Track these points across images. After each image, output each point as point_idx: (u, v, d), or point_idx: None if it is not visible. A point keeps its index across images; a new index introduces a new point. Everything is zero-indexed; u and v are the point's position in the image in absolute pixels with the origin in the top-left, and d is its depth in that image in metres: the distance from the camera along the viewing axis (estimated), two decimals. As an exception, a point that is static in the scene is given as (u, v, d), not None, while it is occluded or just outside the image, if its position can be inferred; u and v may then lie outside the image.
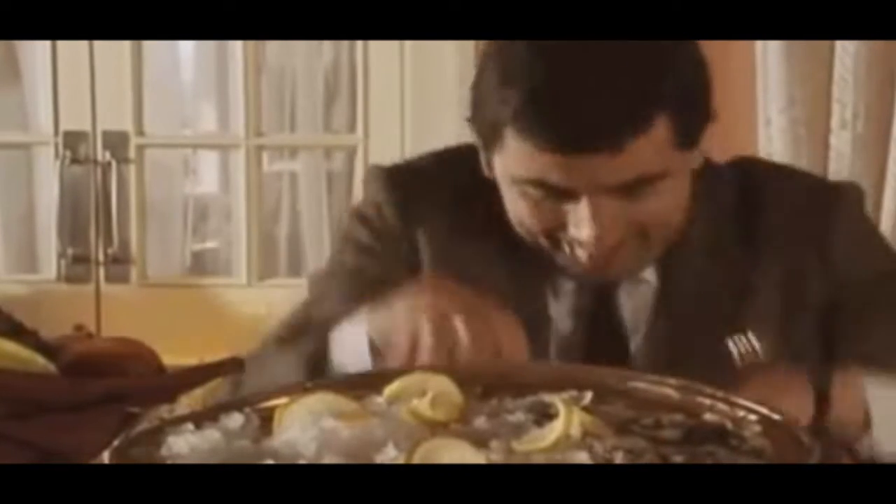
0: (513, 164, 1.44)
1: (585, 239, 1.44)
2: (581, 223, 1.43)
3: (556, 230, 1.47)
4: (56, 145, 3.05)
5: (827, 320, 1.54)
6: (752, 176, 1.61)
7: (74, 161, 3.04)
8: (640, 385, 1.13)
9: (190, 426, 1.04)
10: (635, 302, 1.55)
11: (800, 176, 1.70)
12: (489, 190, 1.52)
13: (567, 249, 1.49)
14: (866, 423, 1.35)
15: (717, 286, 1.54)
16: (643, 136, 1.38)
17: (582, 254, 1.48)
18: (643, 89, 1.39)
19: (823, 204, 1.57)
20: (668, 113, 1.39)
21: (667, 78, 1.41)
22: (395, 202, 1.62)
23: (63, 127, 3.05)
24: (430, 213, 1.60)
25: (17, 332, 1.07)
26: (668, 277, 1.54)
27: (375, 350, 1.37)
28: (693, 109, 1.44)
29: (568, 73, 1.39)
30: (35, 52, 3.23)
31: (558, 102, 1.39)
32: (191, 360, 1.45)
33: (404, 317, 1.30)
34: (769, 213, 1.56)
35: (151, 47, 3.14)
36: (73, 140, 3.04)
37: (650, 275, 1.55)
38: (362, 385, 1.13)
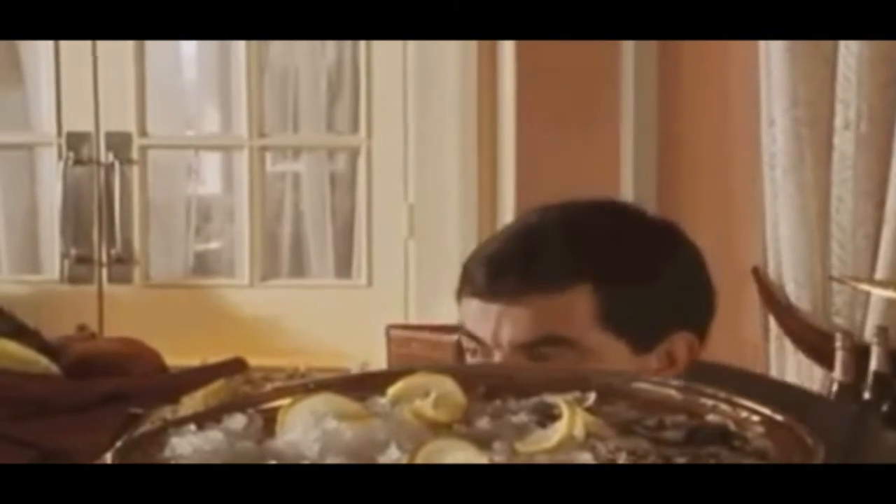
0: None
1: None
2: None
3: None
4: (59, 146, 3.05)
5: None
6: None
7: (77, 162, 3.04)
8: (644, 386, 1.13)
9: (192, 427, 1.04)
10: None
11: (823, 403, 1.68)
12: None
13: None
14: None
15: None
16: (548, 295, 1.41)
17: None
18: (560, 251, 1.43)
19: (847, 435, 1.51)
20: (589, 284, 1.42)
21: (592, 253, 1.43)
22: None
23: (66, 128, 3.05)
24: None
25: (20, 332, 1.07)
26: None
27: None
28: (629, 300, 1.43)
29: (511, 227, 1.50)
30: (38, 53, 3.23)
31: (488, 250, 1.47)
32: (193, 361, 1.46)
33: None
34: None
35: (154, 48, 3.14)
36: (76, 141, 3.04)
37: None
38: (365, 386, 1.13)
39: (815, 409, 1.57)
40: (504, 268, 1.43)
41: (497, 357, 1.43)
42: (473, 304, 1.45)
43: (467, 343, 1.47)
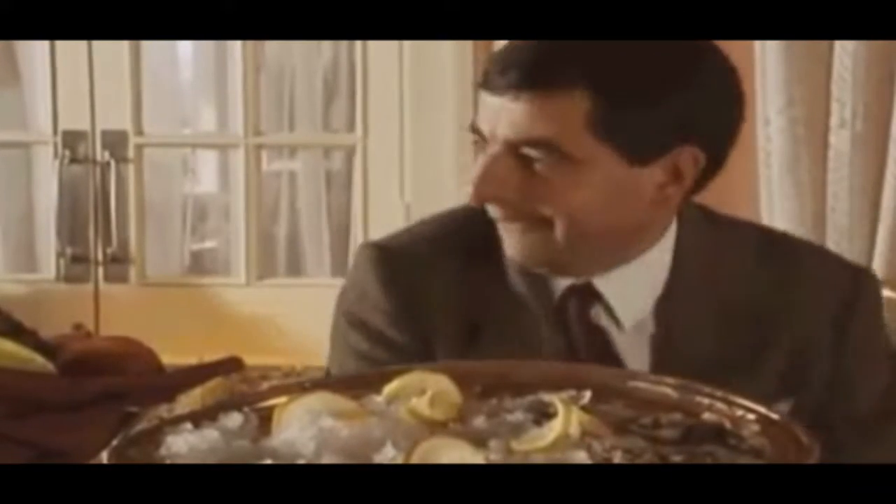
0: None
1: (471, 182, 1.43)
2: (476, 168, 1.44)
3: None
4: (55, 145, 3.04)
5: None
6: (773, 244, 1.60)
7: (73, 160, 3.04)
8: (640, 384, 1.13)
9: (188, 426, 1.04)
10: (630, 341, 1.51)
11: (823, 253, 1.68)
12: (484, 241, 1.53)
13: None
14: None
15: (718, 346, 1.50)
16: (544, 94, 1.39)
17: (504, 235, 1.48)
18: (564, 52, 1.40)
19: (848, 288, 1.54)
20: (587, 91, 1.38)
21: (596, 57, 1.40)
22: (386, 289, 1.65)
23: (62, 126, 3.05)
24: (425, 293, 1.58)
25: (16, 331, 1.07)
26: (667, 327, 1.51)
27: None
28: (627, 109, 1.40)
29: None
30: (34, 52, 3.23)
31: (508, 47, 1.44)
32: (190, 360, 1.45)
33: None
34: (791, 287, 1.53)
35: (150, 47, 3.14)
36: (72, 139, 3.04)
37: (648, 321, 1.51)
38: (361, 384, 1.13)
39: (813, 260, 1.59)
40: (510, 62, 1.41)
41: (489, 150, 1.42)
42: (482, 97, 1.44)
43: (474, 136, 1.46)
